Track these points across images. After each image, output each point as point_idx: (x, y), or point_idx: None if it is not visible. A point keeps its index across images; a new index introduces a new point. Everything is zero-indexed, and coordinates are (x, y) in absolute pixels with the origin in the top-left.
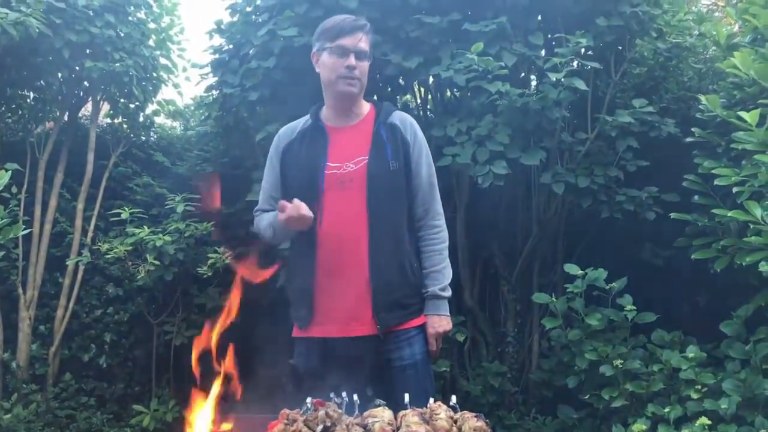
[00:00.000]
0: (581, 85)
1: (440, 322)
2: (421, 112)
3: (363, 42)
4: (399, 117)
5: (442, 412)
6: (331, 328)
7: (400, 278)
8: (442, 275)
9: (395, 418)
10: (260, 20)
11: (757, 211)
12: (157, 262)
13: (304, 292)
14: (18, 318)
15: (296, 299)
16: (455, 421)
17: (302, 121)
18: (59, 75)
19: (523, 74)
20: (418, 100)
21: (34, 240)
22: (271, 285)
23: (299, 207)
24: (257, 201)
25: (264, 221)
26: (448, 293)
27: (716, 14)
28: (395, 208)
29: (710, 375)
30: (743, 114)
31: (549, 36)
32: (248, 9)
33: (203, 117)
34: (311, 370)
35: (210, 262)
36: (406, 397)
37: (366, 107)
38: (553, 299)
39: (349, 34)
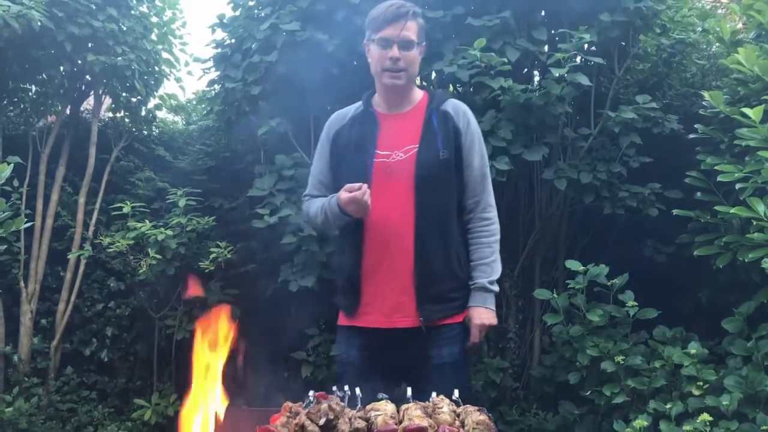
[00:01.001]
0: (584, 80)
1: (487, 314)
2: None
3: (408, 30)
4: (452, 105)
5: (444, 405)
6: (374, 319)
7: (445, 271)
8: (491, 268)
9: (398, 411)
10: (263, 14)
11: (760, 208)
12: (158, 257)
13: (349, 281)
14: (20, 311)
15: (342, 288)
16: (458, 415)
17: (354, 107)
18: (61, 68)
19: (526, 70)
20: None
21: (35, 234)
22: (272, 279)
23: (366, 192)
24: (258, 197)
25: (314, 206)
26: (497, 288)
27: (719, 11)
28: (444, 199)
29: (712, 371)
30: (747, 110)
31: (552, 31)
32: (251, 3)
33: (205, 111)
34: (349, 359)
35: (212, 256)
36: (408, 390)
37: (419, 94)
38: (555, 295)
39: (392, 23)
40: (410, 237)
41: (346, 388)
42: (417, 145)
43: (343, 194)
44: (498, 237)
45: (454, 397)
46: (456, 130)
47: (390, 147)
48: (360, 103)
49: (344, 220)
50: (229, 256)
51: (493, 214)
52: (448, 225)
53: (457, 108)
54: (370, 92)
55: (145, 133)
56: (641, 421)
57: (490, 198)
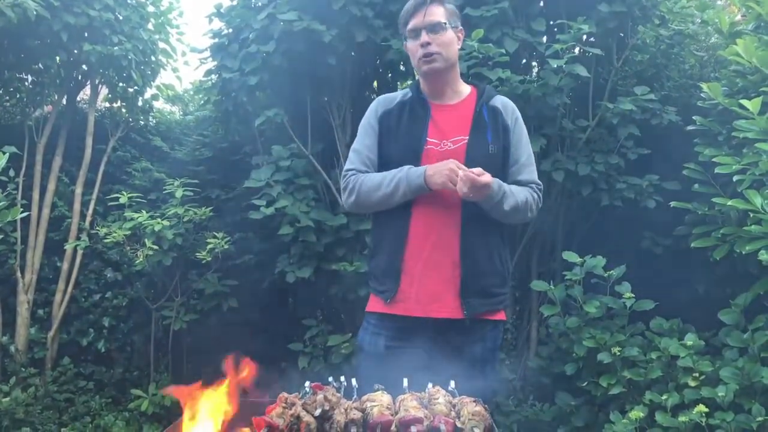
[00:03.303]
0: (583, 71)
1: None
2: None
3: (432, 14)
4: (501, 101)
5: (440, 396)
6: (409, 307)
7: (488, 265)
8: (507, 189)
9: (394, 402)
10: (260, 4)
11: (757, 200)
12: (155, 247)
13: (389, 267)
14: (16, 302)
15: (381, 274)
16: (454, 406)
17: (400, 94)
18: (57, 58)
19: (524, 60)
20: None
21: (32, 224)
22: (271, 271)
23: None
24: (255, 188)
25: (372, 179)
26: (499, 191)
27: (718, 2)
28: None
29: (708, 363)
30: (745, 102)
31: (551, 22)
32: None
33: (202, 102)
34: (375, 348)
35: (209, 247)
36: (405, 381)
37: (467, 88)
38: (552, 287)
39: (415, 12)
40: (456, 227)
41: (342, 378)
42: (467, 137)
43: (448, 166)
44: (526, 200)
45: (449, 388)
46: (505, 127)
47: (439, 136)
48: (407, 90)
49: (421, 193)
50: (226, 246)
51: (537, 195)
52: (492, 219)
53: (506, 104)
54: (417, 81)
55: (142, 123)
56: (637, 412)
57: (539, 184)
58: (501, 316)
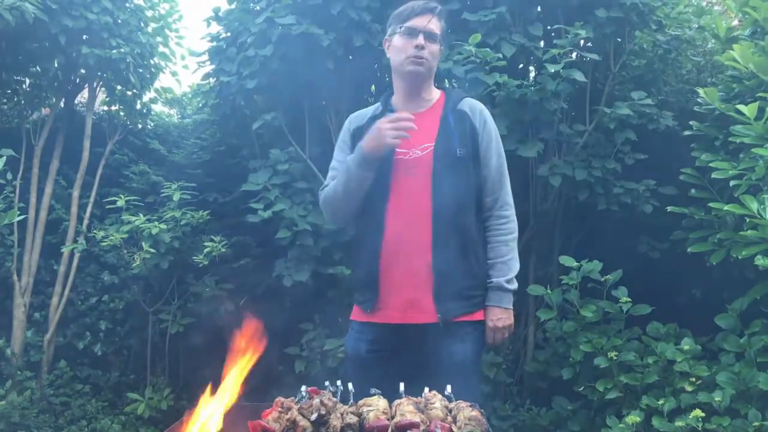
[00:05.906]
0: (580, 76)
1: (502, 315)
2: None
3: (433, 24)
4: (469, 104)
5: (437, 401)
6: (388, 314)
7: (463, 268)
8: (507, 267)
9: (390, 407)
10: (258, 8)
11: (754, 205)
12: (152, 250)
13: (368, 276)
14: (13, 305)
15: (361, 284)
16: (450, 411)
17: (372, 108)
18: (55, 61)
19: (521, 65)
20: None
21: (29, 227)
22: (268, 275)
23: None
24: (253, 191)
25: (332, 184)
26: (514, 286)
27: (715, 8)
28: (461, 196)
29: (705, 368)
30: (741, 107)
31: (548, 27)
32: None
33: (200, 105)
34: (357, 353)
35: (206, 250)
36: (402, 386)
37: (436, 94)
38: (549, 291)
39: (419, 15)
40: (427, 233)
41: (339, 383)
42: (433, 143)
43: (384, 122)
44: (515, 235)
45: (446, 393)
46: (473, 129)
47: (408, 145)
48: (378, 104)
49: (367, 168)
50: (223, 250)
51: (510, 212)
52: (465, 222)
53: (473, 107)
54: (388, 93)
55: (140, 126)
56: (634, 417)
57: (508, 197)
58: (480, 316)
